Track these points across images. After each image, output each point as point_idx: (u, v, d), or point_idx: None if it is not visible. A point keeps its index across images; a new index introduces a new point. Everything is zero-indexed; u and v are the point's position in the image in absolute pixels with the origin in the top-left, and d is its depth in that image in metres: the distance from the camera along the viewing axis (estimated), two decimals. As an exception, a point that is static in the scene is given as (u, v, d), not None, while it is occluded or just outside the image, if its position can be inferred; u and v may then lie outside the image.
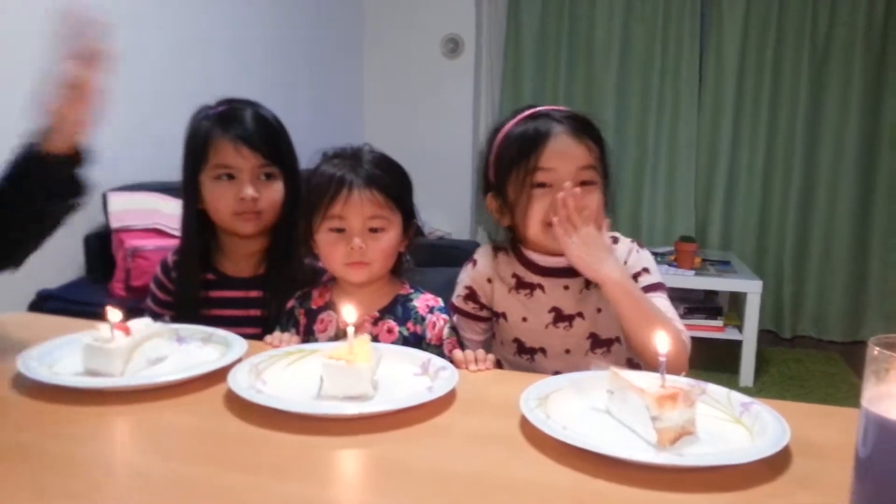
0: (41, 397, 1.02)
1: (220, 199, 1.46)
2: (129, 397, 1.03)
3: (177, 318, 1.50)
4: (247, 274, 1.55)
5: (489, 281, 1.42)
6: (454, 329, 1.35)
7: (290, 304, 1.42)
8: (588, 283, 1.35)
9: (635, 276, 1.37)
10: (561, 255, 1.30)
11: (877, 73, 4.26)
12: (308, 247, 1.36)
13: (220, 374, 1.07)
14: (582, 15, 4.65)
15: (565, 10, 4.66)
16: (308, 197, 1.32)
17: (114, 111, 2.81)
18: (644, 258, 1.39)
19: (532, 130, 1.31)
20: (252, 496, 0.77)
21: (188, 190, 1.50)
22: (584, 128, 1.31)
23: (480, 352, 1.22)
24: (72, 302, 2.34)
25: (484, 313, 1.44)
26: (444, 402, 1.02)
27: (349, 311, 1.08)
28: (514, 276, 1.39)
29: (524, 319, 1.38)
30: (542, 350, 1.38)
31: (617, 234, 1.40)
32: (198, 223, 1.52)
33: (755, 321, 3.55)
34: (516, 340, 1.40)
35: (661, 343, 0.95)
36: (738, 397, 1.00)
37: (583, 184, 1.27)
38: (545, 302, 1.37)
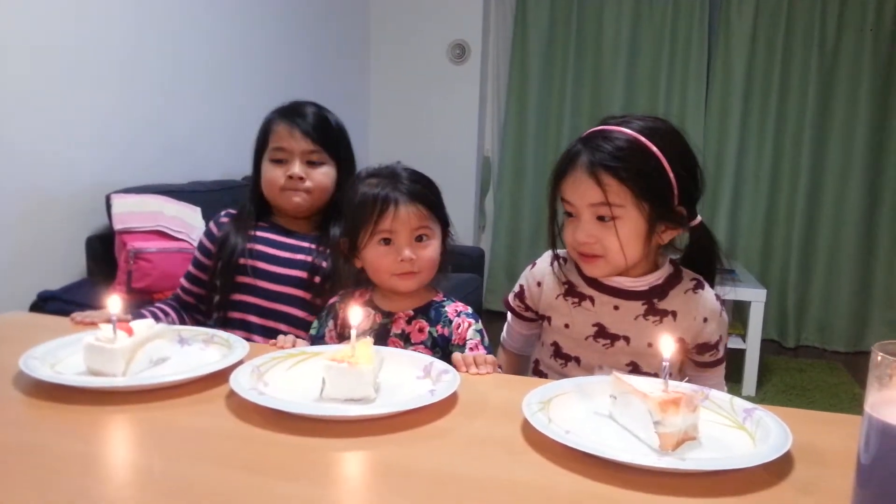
0: (43, 396, 1.02)
1: (272, 178, 1.63)
2: (131, 397, 1.03)
3: (221, 257, 1.65)
4: (299, 230, 1.69)
5: (539, 284, 1.42)
6: (480, 332, 1.38)
7: (333, 300, 1.47)
8: (649, 314, 1.32)
9: (706, 347, 1.35)
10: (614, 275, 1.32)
11: (885, 80, 4.26)
12: (350, 263, 1.42)
13: (221, 376, 1.07)
14: (589, 21, 4.66)
15: (573, 16, 4.66)
16: (352, 216, 1.37)
17: (118, 114, 2.84)
18: (724, 324, 1.36)
19: (567, 155, 1.29)
20: (253, 497, 0.77)
21: (254, 175, 1.70)
22: (609, 158, 1.23)
23: (480, 355, 1.24)
24: (73, 303, 2.33)
25: (528, 314, 1.46)
26: (446, 406, 1.02)
27: (355, 314, 1.09)
28: (567, 282, 1.38)
29: (566, 326, 1.37)
30: (577, 359, 1.37)
31: (700, 278, 1.35)
32: (259, 202, 1.70)
33: (759, 330, 3.54)
34: (554, 344, 1.40)
35: (666, 348, 0.95)
36: (740, 403, 1.00)
37: (600, 218, 1.26)
38: (590, 315, 1.35)
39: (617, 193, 1.23)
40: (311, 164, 1.63)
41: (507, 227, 4.91)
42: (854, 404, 3.48)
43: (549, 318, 1.40)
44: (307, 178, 1.62)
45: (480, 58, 4.72)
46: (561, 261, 1.41)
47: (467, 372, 1.19)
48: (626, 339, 1.33)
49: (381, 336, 1.35)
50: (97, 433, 0.94)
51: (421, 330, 1.37)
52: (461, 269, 3.58)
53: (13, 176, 2.40)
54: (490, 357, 1.24)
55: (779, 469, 0.84)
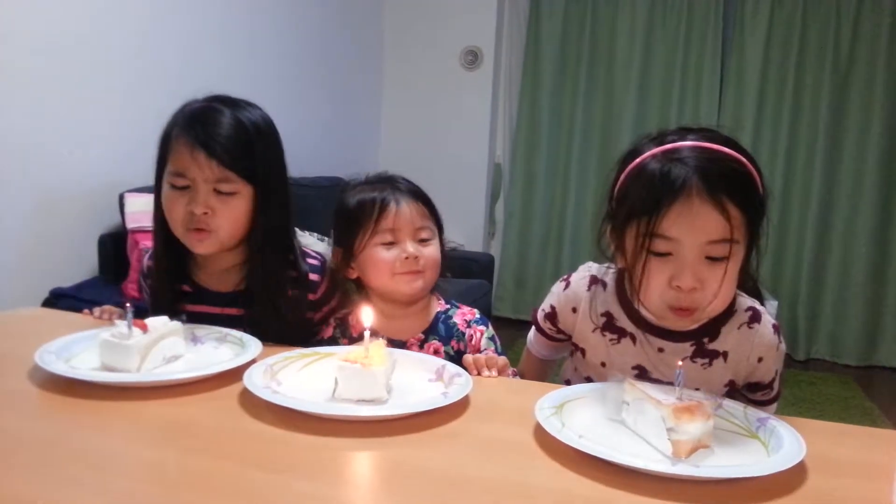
0: (57, 391, 1.03)
1: (172, 210, 1.30)
2: (145, 393, 1.03)
3: None
4: (225, 288, 1.38)
5: (574, 310, 1.26)
6: (492, 338, 1.36)
7: (329, 333, 1.40)
8: (697, 355, 1.17)
9: (757, 386, 1.21)
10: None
11: (899, 93, 4.23)
12: (343, 272, 1.37)
13: (235, 374, 1.08)
14: (603, 29, 4.66)
15: (586, 24, 4.66)
16: (346, 222, 1.34)
17: (132, 113, 2.85)
18: (780, 357, 1.19)
19: (661, 179, 1.03)
20: (265, 494, 0.77)
21: (157, 195, 1.35)
22: (728, 182, 1.01)
23: (491, 357, 1.22)
24: (84, 301, 2.33)
25: (559, 336, 1.32)
26: (458, 408, 1.01)
27: (367, 315, 1.09)
28: (606, 314, 1.21)
29: (603, 364, 1.22)
30: None
31: (757, 306, 1.19)
32: (167, 233, 1.34)
33: (769, 342, 3.52)
34: (588, 379, 1.26)
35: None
36: (754, 412, 1.00)
37: (709, 258, 1.03)
38: (631, 356, 1.19)
39: (738, 228, 1.02)
40: (220, 193, 1.28)
41: (516, 233, 4.91)
42: (865, 418, 3.46)
43: (582, 350, 1.26)
44: (213, 213, 1.28)
45: (493, 64, 4.73)
46: (599, 285, 1.24)
47: (479, 374, 1.18)
48: (670, 384, 1.19)
49: None
50: (111, 428, 0.94)
51: (436, 352, 1.34)
52: (470, 275, 3.58)
53: (27, 174, 2.41)
54: (501, 358, 1.23)
55: (792, 479, 0.84)
